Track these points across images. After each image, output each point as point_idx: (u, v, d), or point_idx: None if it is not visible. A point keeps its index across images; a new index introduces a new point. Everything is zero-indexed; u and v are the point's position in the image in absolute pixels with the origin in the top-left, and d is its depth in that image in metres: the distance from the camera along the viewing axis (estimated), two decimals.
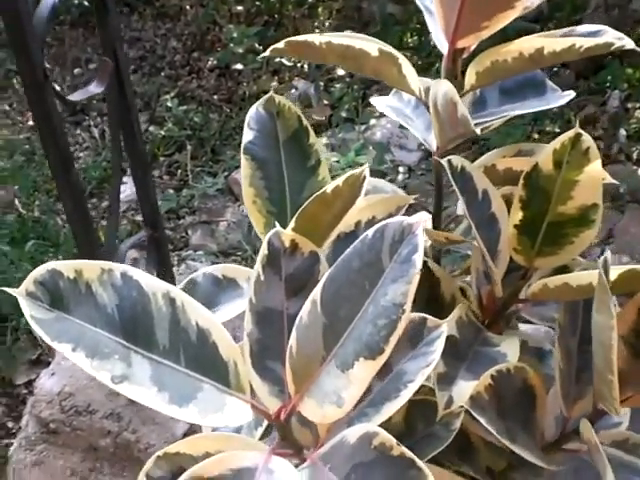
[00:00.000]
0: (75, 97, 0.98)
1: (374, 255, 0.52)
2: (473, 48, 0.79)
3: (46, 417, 1.29)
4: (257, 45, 2.60)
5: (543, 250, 0.71)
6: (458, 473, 0.76)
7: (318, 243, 0.68)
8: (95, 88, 1.00)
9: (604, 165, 1.99)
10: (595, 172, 0.67)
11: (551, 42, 0.69)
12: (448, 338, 0.69)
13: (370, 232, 0.53)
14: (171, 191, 2.10)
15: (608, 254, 0.57)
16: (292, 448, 0.60)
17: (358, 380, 0.51)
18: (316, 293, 0.55)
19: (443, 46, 0.76)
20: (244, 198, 0.77)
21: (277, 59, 2.34)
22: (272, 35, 2.66)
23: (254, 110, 0.78)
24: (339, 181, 0.64)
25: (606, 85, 2.42)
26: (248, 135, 0.77)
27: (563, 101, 0.78)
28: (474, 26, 0.73)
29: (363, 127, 2.15)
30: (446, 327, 0.63)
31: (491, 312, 0.78)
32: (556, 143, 0.66)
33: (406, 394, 0.60)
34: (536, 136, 2.13)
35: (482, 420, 0.63)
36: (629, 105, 2.34)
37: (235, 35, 2.46)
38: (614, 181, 0.81)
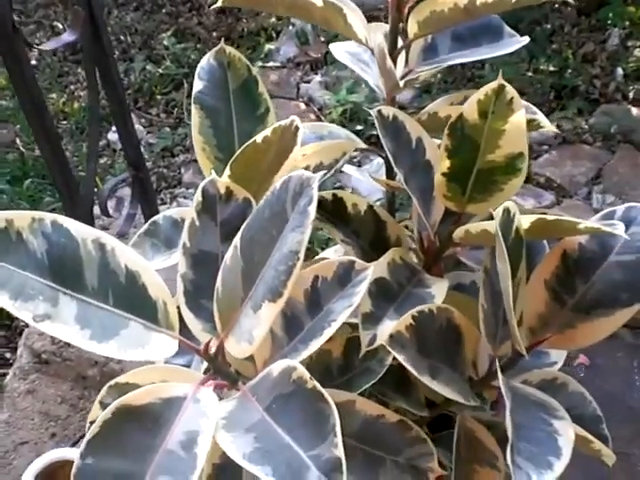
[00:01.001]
0: (47, 46, 1.01)
1: (280, 205, 0.56)
2: None
3: (38, 348, 1.36)
4: None
5: (474, 197, 0.74)
6: (398, 409, 0.81)
7: (258, 189, 0.72)
8: (68, 37, 1.03)
9: (599, 103, 2.00)
10: (519, 122, 0.69)
11: None
12: (379, 280, 0.74)
13: (278, 184, 0.57)
14: (167, 129, 2.13)
15: (509, 204, 0.61)
16: (228, 380, 0.65)
17: (265, 320, 0.56)
18: (237, 239, 0.60)
19: None
20: (194, 145, 0.80)
21: None
22: None
23: (205, 61, 0.80)
24: (267, 131, 0.67)
25: (607, 22, 2.39)
26: (198, 85, 0.79)
27: (517, 46, 0.80)
28: None
29: None
30: (372, 270, 0.67)
31: (431, 255, 0.82)
32: (480, 94, 0.68)
33: (329, 332, 0.64)
34: (530, 74, 2.12)
35: (400, 357, 0.67)
36: (629, 43, 2.31)
37: None
38: (554, 128, 0.83)
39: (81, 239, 0.57)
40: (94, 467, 0.52)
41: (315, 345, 0.65)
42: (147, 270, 0.59)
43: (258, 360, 0.69)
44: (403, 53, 0.84)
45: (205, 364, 0.75)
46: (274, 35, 2.40)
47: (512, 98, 0.69)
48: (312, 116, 2.06)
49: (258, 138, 0.68)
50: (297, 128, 0.69)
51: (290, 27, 2.34)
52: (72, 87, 2.33)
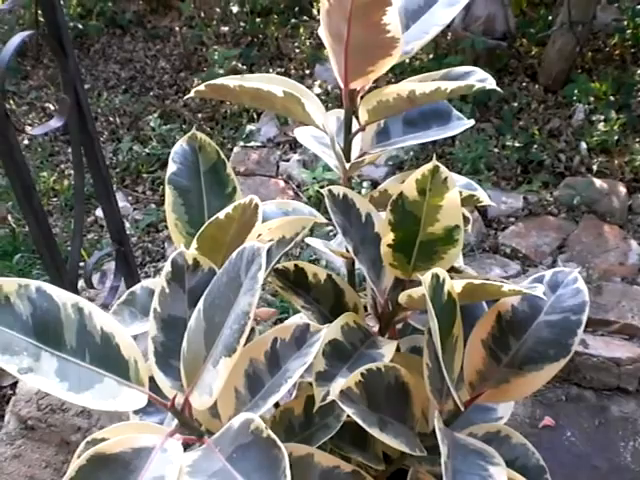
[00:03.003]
0: (36, 131, 1.10)
1: (236, 272, 0.64)
2: (369, 87, 0.88)
3: (25, 415, 1.42)
4: (240, 65, 2.73)
5: (418, 265, 0.82)
6: (360, 465, 0.87)
7: (223, 260, 0.80)
8: (55, 123, 1.12)
9: (564, 176, 2.09)
10: (454, 198, 0.78)
11: (421, 86, 0.81)
12: (332, 342, 0.81)
13: (234, 254, 0.65)
14: (153, 206, 2.22)
15: (438, 270, 0.69)
16: (195, 434, 0.71)
17: (222, 374, 0.63)
18: (200, 302, 0.68)
19: (341, 86, 0.87)
20: (168, 222, 0.88)
21: None
22: (255, 55, 2.79)
23: (178, 145, 0.89)
24: (229, 208, 0.76)
25: (573, 99, 2.51)
26: (172, 167, 0.88)
27: (465, 127, 0.89)
28: (361, 71, 0.83)
29: None
30: (324, 332, 0.75)
31: (385, 319, 0.90)
32: (417, 174, 0.77)
33: (285, 388, 0.72)
34: (498, 150, 2.23)
35: (349, 411, 0.74)
36: (594, 118, 2.43)
37: (216, 57, 2.58)
38: (492, 203, 0.92)
39: (62, 303, 0.64)
40: None
41: (273, 400, 0.72)
42: (120, 332, 0.67)
43: (224, 417, 0.76)
44: (360, 136, 0.92)
45: (176, 421, 0.82)
46: (255, 116, 2.52)
47: (446, 177, 0.77)
48: (291, 192, 2.16)
49: (221, 215, 0.76)
50: (257, 206, 0.77)
51: None
52: (62, 166, 2.42)
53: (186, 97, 0.88)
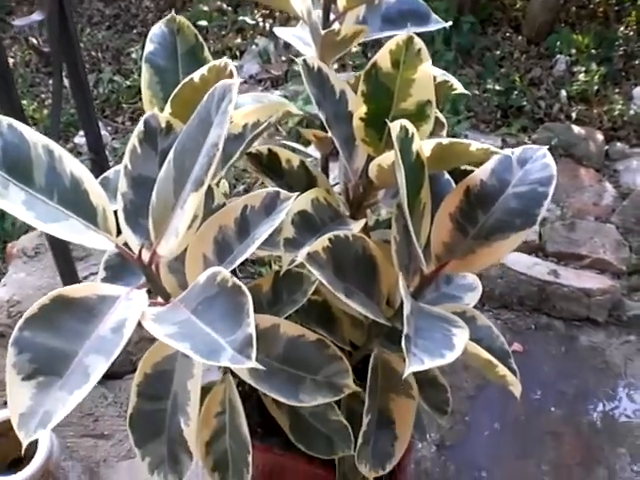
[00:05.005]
0: (17, 23, 1.09)
1: (206, 112, 0.64)
2: None
3: None
4: (225, 6, 2.71)
5: (390, 142, 0.82)
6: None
7: None
8: (36, 16, 1.12)
9: (543, 122, 2.09)
10: (427, 71, 0.78)
11: None
12: (302, 212, 0.82)
13: (206, 95, 0.65)
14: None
15: (405, 122, 0.69)
16: (161, 294, 0.72)
17: (189, 211, 0.63)
18: (170, 153, 0.68)
19: None
20: (143, 99, 0.88)
21: (241, 17, 2.46)
22: None
23: (157, 27, 0.88)
24: (204, 69, 0.76)
25: (555, 50, 2.52)
26: (149, 47, 0.87)
27: (442, 26, 0.90)
28: None
29: None
30: (294, 198, 0.75)
31: (356, 202, 0.90)
32: (391, 44, 0.77)
33: (251, 249, 0.73)
34: (477, 93, 2.23)
35: (316, 273, 0.74)
36: (575, 69, 2.44)
37: None
38: (465, 91, 0.92)
39: (32, 142, 0.64)
40: (30, 339, 0.59)
41: (240, 260, 0.73)
42: (90, 179, 0.67)
43: (191, 282, 0.76)
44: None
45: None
46: (238, 54, 2.51)
47: (420, 49, 0.77)
48: None
49: (195, 76, 0.76)
50: (232, 71, 0.77)
51: (253, 47, 2.45)
52: (42, 96, 2.41)
53: None
